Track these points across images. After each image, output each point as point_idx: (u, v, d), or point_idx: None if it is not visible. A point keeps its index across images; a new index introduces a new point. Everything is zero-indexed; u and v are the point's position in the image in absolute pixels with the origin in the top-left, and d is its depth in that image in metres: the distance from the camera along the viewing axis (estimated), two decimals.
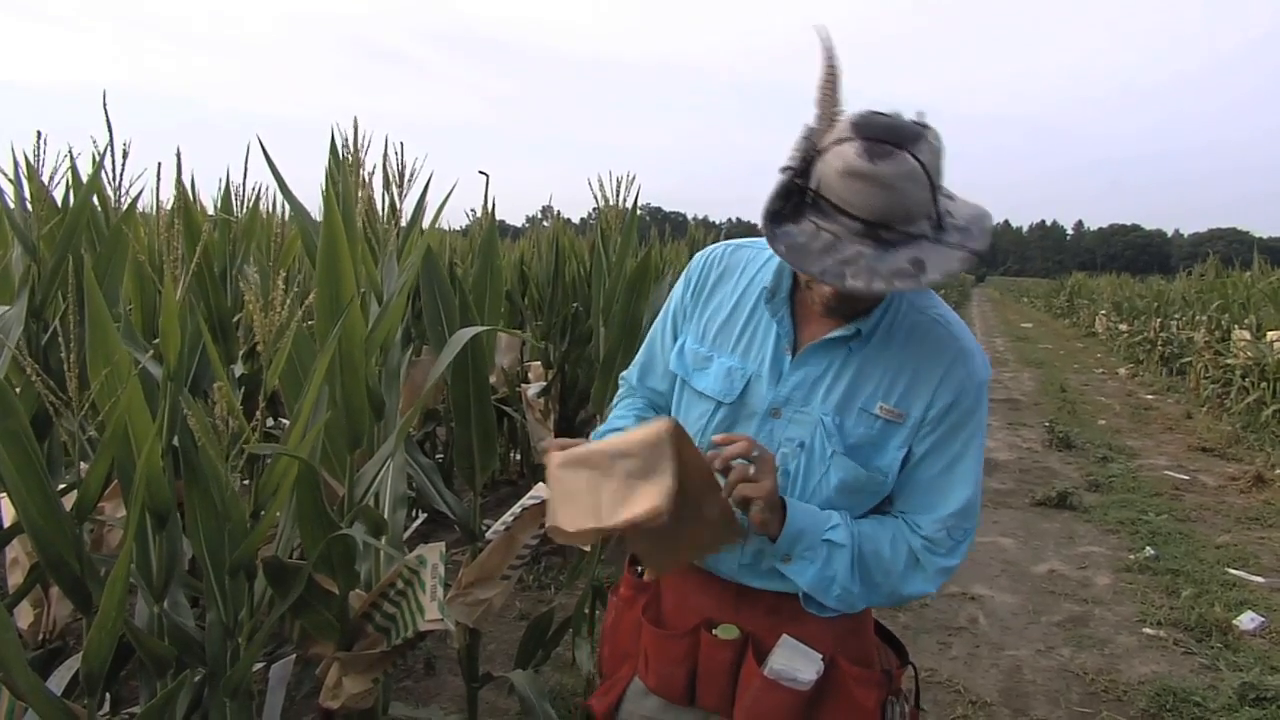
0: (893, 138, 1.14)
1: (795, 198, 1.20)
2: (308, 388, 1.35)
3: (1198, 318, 11.65)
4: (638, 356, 1.56)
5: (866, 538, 1.32)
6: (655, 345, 1.52)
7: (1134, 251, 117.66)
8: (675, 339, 1.48)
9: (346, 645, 1.58)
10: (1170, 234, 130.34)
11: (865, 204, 1.15)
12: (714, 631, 1.39)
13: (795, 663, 1.35)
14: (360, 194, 1.73)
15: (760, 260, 1.43)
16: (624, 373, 1.60)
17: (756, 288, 1.40)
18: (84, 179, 2.23)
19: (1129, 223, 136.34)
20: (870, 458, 1.32)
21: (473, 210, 2.17)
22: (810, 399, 1.33)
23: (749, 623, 1.39)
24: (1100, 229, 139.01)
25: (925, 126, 1.17)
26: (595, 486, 1.17)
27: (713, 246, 1.50)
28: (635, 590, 1.51)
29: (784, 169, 1.20)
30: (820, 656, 1.36)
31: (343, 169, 1.68)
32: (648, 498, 1.13)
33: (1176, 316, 13.19)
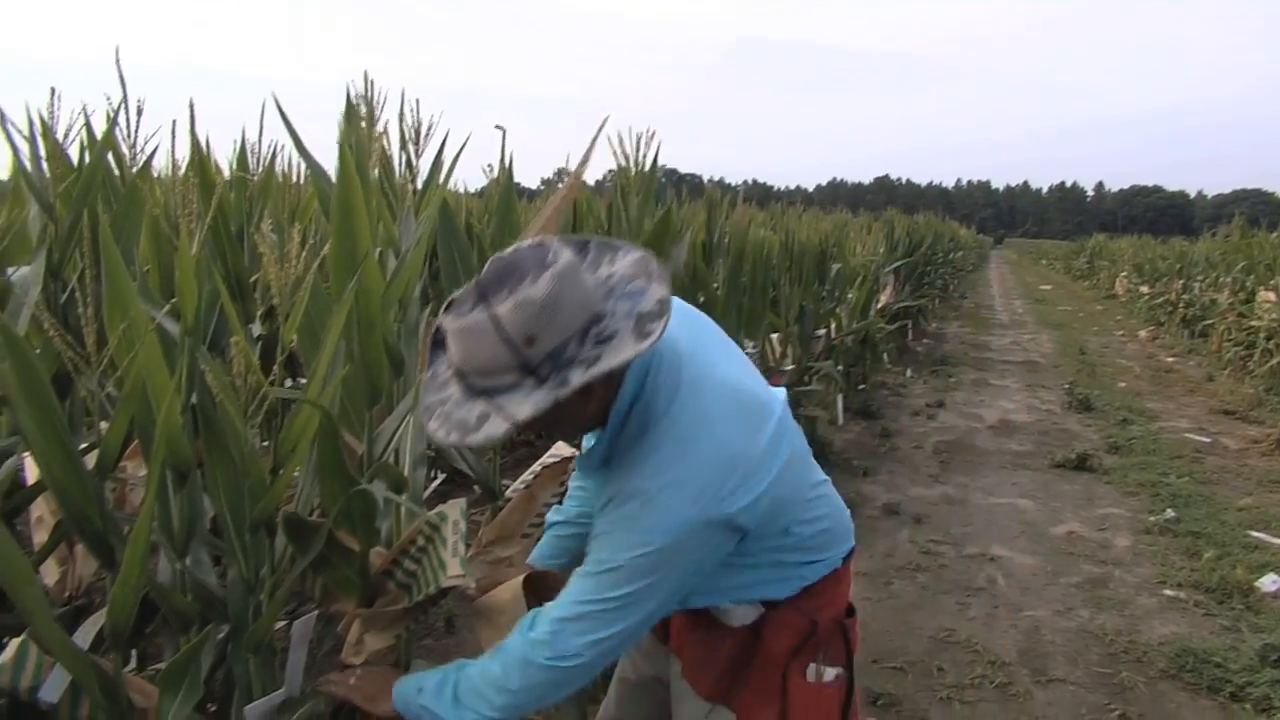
0: (484, 286, 1.18)
1: None
2: (325, 341, 1.33)
3: (1221, 279, 11.49)
4: None
5: (471, 675, 1.38)
6: None
7: (1155, 213, 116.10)
8: None
9: (368, 602, 1.59)
10: (1193, 195, 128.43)
11: (450, 349, 1.22)
12: None
13: (736, 608, 1.51)
14: (375, 148, 1.70)
15: None
16: None
17: None
18: (98, 137, 2.21)
19: (1151, 184, 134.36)
20: None
21: (490, 166, 2.14)
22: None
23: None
24: (1121, 190, 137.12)
25: (543, 268, 1.17)
26: None
27: None
28: None
29: None
30: (761, 610, 1.50)
31: (356, 122, 1.65)
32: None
33: (1200, 278, 13.01)
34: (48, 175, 2.17)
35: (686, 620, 1.59)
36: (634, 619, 1.32)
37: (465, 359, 1.18)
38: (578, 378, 1.16)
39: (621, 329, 1.19)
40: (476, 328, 1.15)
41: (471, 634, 3.22)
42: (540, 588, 1.60)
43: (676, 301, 1.43)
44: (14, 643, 1.34)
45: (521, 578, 1.58)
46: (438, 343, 1.30)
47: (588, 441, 1.45)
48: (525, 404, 1.16)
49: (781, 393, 1.52)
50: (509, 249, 1.23)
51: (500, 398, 1.17)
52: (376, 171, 1.69)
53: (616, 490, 1.33)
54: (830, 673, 1.51)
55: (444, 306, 1.22)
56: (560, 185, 3.62)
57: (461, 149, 1.94)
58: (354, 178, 1.47)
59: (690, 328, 1.43)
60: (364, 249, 1.48)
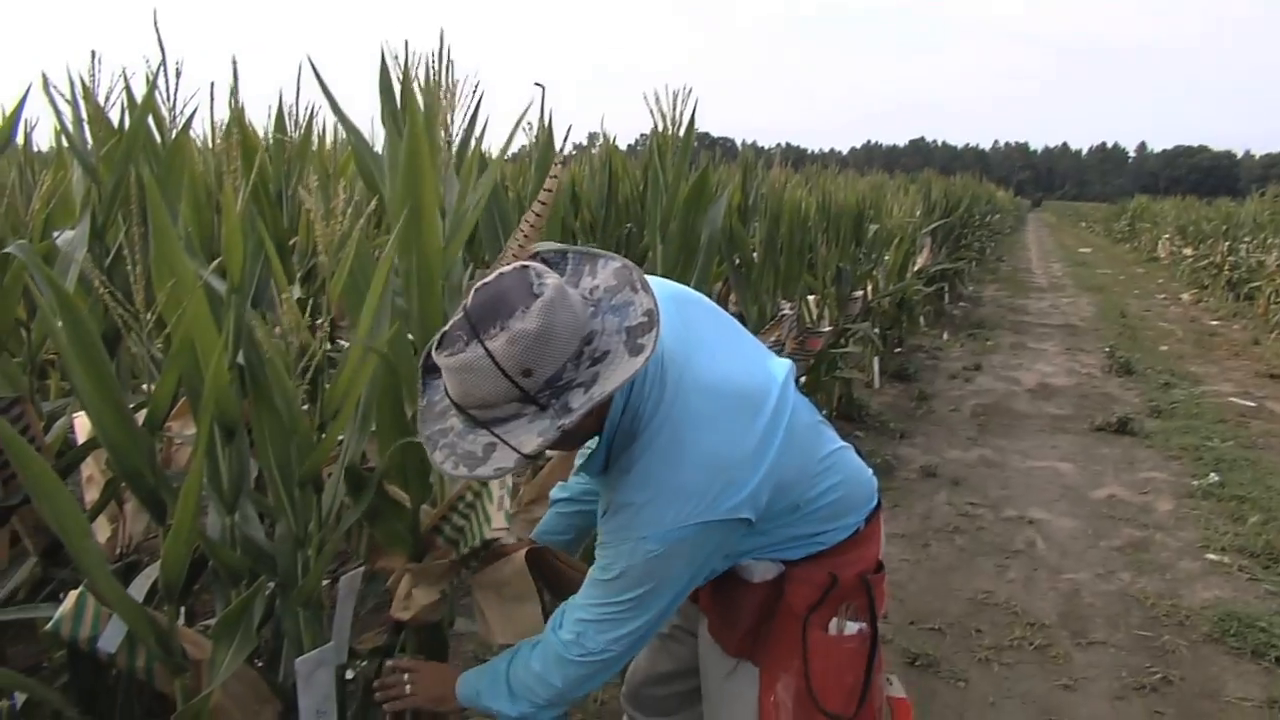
0: (474, 320, 1.17)
1: None
2: (372, 288, 1.33)
3: (1270, 241, 11.20)
4: None
5: (518, 670, 1.46)
6: None
7: (1200, 174, 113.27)
8: None
9: (417, 557, 1.61)
10: (1240, 155, 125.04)
11: (446, 384, 1.22)
12: None
13: (757, 564, 1.54)
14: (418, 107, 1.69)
15: None
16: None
17: None
18: (138, 100, 2.22)
19: (1195, 144, 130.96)
20: None
21: (530, 124, 2.12)
22: None
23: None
24: (1165, 150, 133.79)
25: (531, 298, 1.16)
26: None
27: None
28: None
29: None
30: (781, 567, 1.53)
31: (414, 81, 1.63)
32: None
33: (1246, 240, 12.69)
34: (89, 139, 2.19)
35: (712, 581, 1.60)
36: (652, 613, 1.37)
37: (464, 394, 1.19)
38: (578, 402, 1.17)
39: (613, 346, 1.20)
40: (472, 365, 1.16)
41: None
42: (540, 563, 1.61)
43: (661, 289, 1.42)
44: (72, 595, 1.37)
45: (523, 552, 1.59)
46: (429, 369, 1.31)
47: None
48: (530, 434, 1.18)
49: (783, 367, 1.50)
50: (492, 274, 1.23)
51: (502, 428, 1.19)
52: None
53: (611, 499, 1.36)
54: (852, 627, 1.53)
55: (436, 341, 1.22)
56: (593, 150, 3.59)
57: (522, 118, 1.91)
58: (421, 135, 1.46)
59: (676, 320, 1.41)
60: (429, 207, 1.48)
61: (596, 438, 1.40)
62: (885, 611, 1.98)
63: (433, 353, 1.22)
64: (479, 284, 1.22)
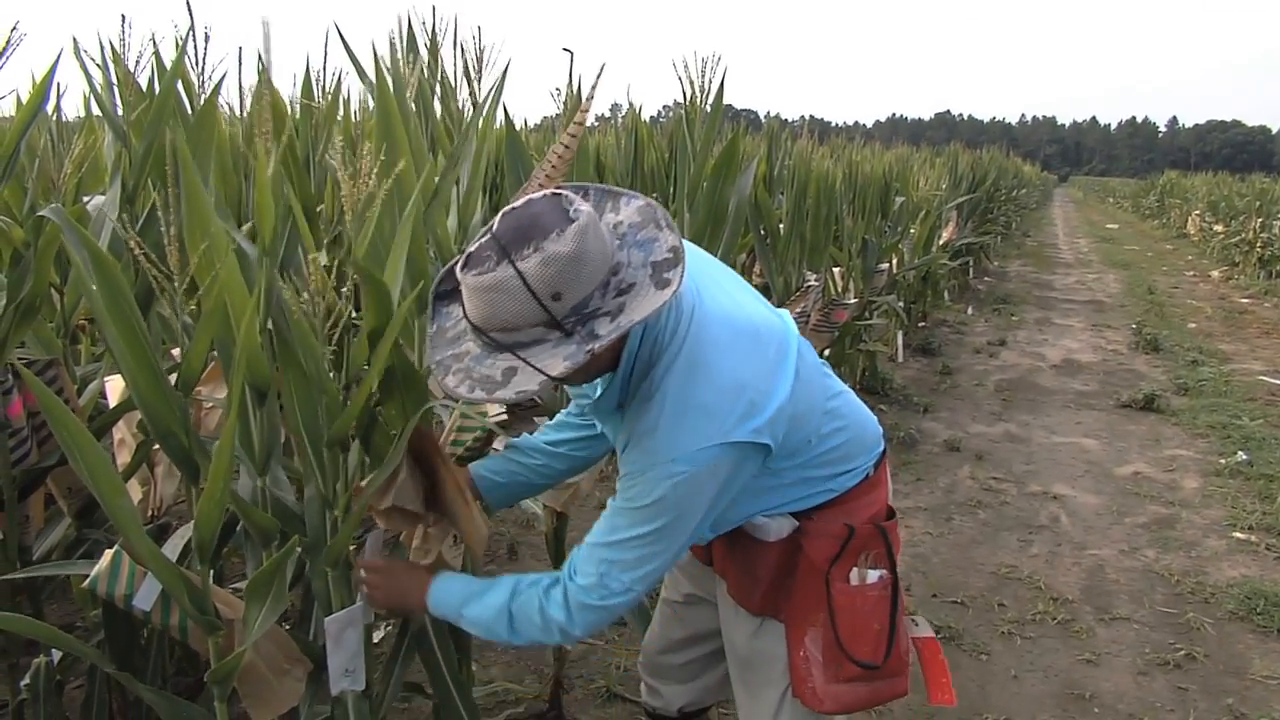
0: (504, 242, 1.16)
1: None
2: (398, 233, 1.32)
3: None
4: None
5: (527, 611, 1.44)
6: None
7: (1232, 150, 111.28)
8: None
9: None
10: (1275, 130, 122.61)
11: (467, 305, 1.21)
12: None
13: (771, 522, 1.55)
14: (413, 72, 1.68)
15: None
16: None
17: None
18: (167, 65, 2.22)
19: (1229, 119, 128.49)
20: None
21: (557, 89, 2.09)
22: None
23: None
24: (1196, 125, 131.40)
25: (567, 222, 1.15)
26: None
27: None
28: None
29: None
30: (795, 523, 1.54)
31: (397, 49, 1.64)
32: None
33: None
34: (119, 103, 2.19)
35: (727, 542, 1.62)
36: (672, 547, 1.37)
37: (488, 316, 1.17)
38: (605, 330, 1.16)
39: (639, 279, 1.20)
40: (502, 284, 1.14)
41: (535, 562, 3.28)
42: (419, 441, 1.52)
43: None
44: (108, 553, 1.39)
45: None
46: (440, 296, 1.30)
47: (592, 389, 1.46)
48: (556, 358, 1.16)
49: (786, 314, 1.53)
50: (520, 200, 1.22)
51: (525, 351, 1.18)
52: (412, 99, 1.68)
53: (633, 430, 1.35)
54: (873, 575, 1.55)
55: (461, 261, 1.20)
56: (618, 120, 3.56)
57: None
58: (391, 99, 1.46)
59: (690, 259, 1.39)
60: (403, 159, 1.47)
61: (603, 380, 1.39)
62: (902, 568, 1.94)
63: (457, 272, 1.21)
64: (507, 209, 1.21)
